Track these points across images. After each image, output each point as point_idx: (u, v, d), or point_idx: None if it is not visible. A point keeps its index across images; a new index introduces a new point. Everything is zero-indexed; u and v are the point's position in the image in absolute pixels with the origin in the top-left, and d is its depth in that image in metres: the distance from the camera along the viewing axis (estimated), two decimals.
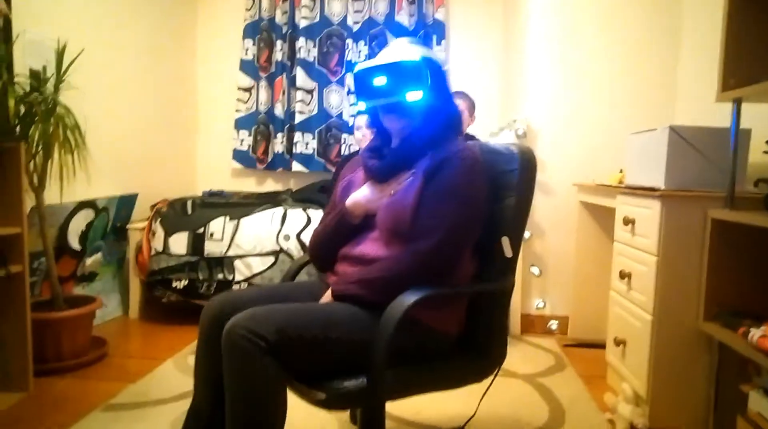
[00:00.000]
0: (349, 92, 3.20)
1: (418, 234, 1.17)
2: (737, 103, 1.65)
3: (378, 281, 1.17)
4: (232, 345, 1.02)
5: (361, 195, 1.32)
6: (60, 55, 2.12)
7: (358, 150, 2.79)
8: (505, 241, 1.27)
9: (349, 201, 1.32)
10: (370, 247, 1.26)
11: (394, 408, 1.82)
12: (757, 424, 1.47)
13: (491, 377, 1.31)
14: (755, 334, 1.42)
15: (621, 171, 2.46)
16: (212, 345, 1.17)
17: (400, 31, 3.15)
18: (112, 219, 2.73)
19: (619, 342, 1.98)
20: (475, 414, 1.80)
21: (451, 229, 1.17)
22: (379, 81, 1.24)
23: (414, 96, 1.23)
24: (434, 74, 1.26)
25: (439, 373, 1.23)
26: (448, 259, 1.18)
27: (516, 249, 1.31)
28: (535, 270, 2.82)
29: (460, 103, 2.59)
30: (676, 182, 1.79)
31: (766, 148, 1.58)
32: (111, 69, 2.70)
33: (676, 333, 1.75)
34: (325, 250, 1.37)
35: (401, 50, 1.28)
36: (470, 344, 1.31)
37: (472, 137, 2.65)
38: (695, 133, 1.80)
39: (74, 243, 2.49)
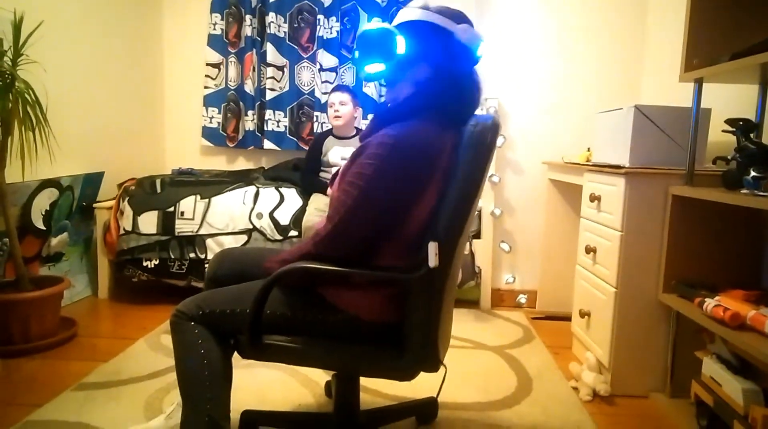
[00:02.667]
0: (320, 69, 3.16)
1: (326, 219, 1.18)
2: (699, 83, 1.71)
3: (289, 262, 1.19)
4: (170, 322, 1.24)
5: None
6: (17, 27, 2.03)
7: (331, 128, 2.77)
8: (432, 247, 1.10)
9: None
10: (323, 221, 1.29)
11: (368, 381, 1.86)
12: (709, 387, 1.57)
13: (441, 378, 1.33)
14: (709, 304, 1.51)
15: (588, 149, 2.53)
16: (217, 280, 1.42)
17: (372, 7, 3.12)
18: (78, 198, 2.66)
19: (584, 314, 2.06)
20: (438, 395, 1.86)
21: (344, 220, 1.12)
22: (356, 54, 1.24)
23: (372, 68, 1.20)
24: (425, 42, 1.16)
25: (346, 354, 1.21)
26: (338, 248, 1.14)
27: (453, 234, 1.13)
28: (505, 246, 2.88)
29: (347, 98, 2.62)
30: (640, 160, 1.85)
31: (726, 127, 1.65)
32: (73, 43, 2.59)
33: (638, 304, 1.83)
34: None
35: (400, 14, 1.21)
36: (394, 338, 1.22)
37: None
38: (659, 112, 1.85)
39: (38, 222, 2.42)
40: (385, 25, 1.19)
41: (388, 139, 1.09)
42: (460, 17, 1.18)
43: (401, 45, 1.16)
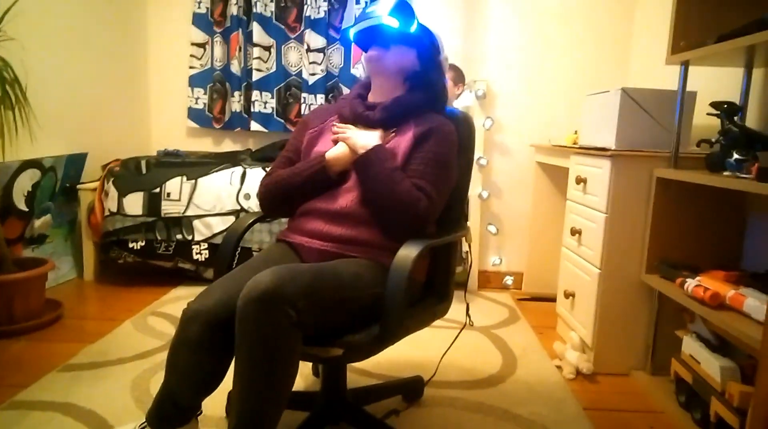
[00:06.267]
0: (308, 50, 3.12)
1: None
2: (685, 65, 1.72)
3: (366, 243, 1.26)
4: (261, 314, 0.98)
5: (359, 139, 1.30)
6: None
7: None
8: (468, 236, 1.49)
9: (330, 155, 1.31)
10: (346, 201, 1.28)
11: None
12: (688, 364, 1.61)
13: (456, 333, 1.37)
14: (690, 284, 1.54)
15: (575, 132, 2.54)
16: (197, 351, 1.09)
17: None
18: (61, 179, 2.62)
19: (568, 294, 2.09)
20: (436, 372, 1.88)
21: (439, 192, 1.28)
22: (372, 8, 1.34)
23: (390, 21, 1.30)
24: (424, 41, 1.38)
25: (414, 316, 1.29)
26: (433, 220, 1.30)
27: (463, 203, 1.49)
28: (492, 228, 2.90)
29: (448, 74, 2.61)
30: (625, 142, 1.87)
31: (710, 109, 1.66)
32: (52, 19, 2.52)
33: (621, 285, 1.86)
34: (287, 198, 1.35)
35: (416, 11, 1.37)
36: (430, 289, 1.43)
37: None
38: (645, 95, 1.86)
39: (21, 204, 2.38)
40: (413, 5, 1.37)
41: (449, 127, 1.35)
42: (443, 49, 1.44)
43: (415, 26, 1.34)
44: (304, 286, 1.02)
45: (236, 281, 1.16)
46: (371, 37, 1.39)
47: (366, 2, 3.03)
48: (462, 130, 1.43)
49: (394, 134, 1.34)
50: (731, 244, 1.80)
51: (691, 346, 1.61)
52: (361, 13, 1.38)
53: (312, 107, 3.15)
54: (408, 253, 1.14)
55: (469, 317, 1.46)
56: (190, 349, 1.10)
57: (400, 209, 1.21)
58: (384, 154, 1.26)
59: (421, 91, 1.38)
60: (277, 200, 1.37)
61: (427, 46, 1.38)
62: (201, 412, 1.24)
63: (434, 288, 1.43)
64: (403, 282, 1.10)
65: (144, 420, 1.19)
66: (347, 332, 1.13)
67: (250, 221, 1.46)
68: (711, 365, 1.49)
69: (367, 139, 1.29)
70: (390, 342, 1.16)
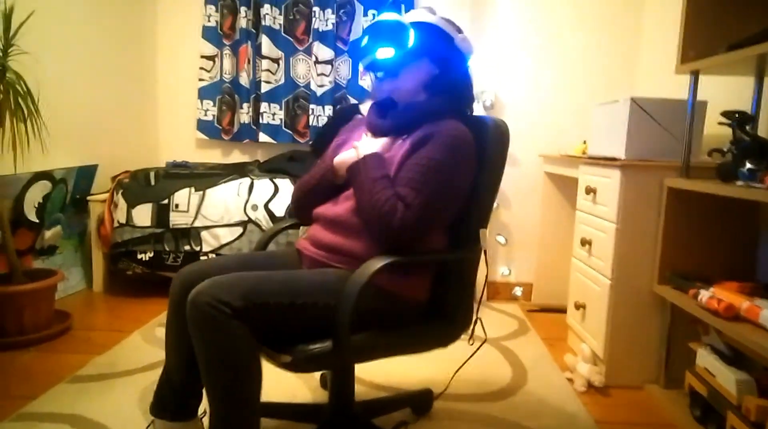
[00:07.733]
0: (316, 62, 3.15)
1: None
2: (695, 75, 1.71)
3: (350, 254, 1.22)
4: (197, 313, 1.02)
5: (363, 148, 1.28)
6: (7, 17, 2.00)
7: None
8: (483, 234, 1.30)
9: (337, 159, 1.33)
10: (342, 208, 1.27)
11: (363, 372, 1.87)
12: (702, 377, 1.57)
13: (472, 351, 1.37)
14: (704, 295, 1.51)
15: (584, 142, 2.53)
16: (182, 315, 1.15)
17: None
18: (71, 191, 2.64)
19: (579, 306, 2.06)
20: (447, 386, 1.86)
21: (426, 202, 1.16)
22: (364, 41, 1.28)
23: (384, 53, 1.25)
24: (431, 41, 1.28)
25: (405, 337, 1.25)
26: (417, 233, 1.17)
27: (486, 219, 1.35)
28: (501, 239, 2.89)
29: None
30: (635, 152, 1.85)
31: (721, 119, 1.65)
32: (65, 33, 2.56)
33: (632, 296, 1.83)
34: (304, 202, 1.39)
35: (405, 14, 1.31)
36: (437, 311, 1.33)
37: None
38: (655, 104, 1.85)
39: (31, 215, 2.40)
40: (399, 18, 1.27)
41: (457, 133, 1.22)
42: (459, 29, 1.34)
43: (412, 38, 1.26)
44: (244, 288, 1.04)
45: (224, 259, 1.28)
46: (377, 67, 1.31)
47: (374, 15, 3.06)
48: (489, 138, 1.29)
49: (401, 142, 1.31)
50: (744, 254, 1.77)
51: (705, 358, 1.58)
52: (355, 47, 1.31)
53: (320, 118, 3.17)
54: (371, 265, 1.08)
55: (475, 338, 1.41)
56: (173, 313, 1.21)
57: (375, 219, 1.14)
58: (374, 162, 1.21)
59: (443, 95, 1.31)
60: (298, 203, 1.41)
61: (436, 44, 1.29)
62: (206, 413, 1.24)
63: (438, 310, 1.33)
64: (354, 294, 1.04)
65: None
66: (308, 339, 1.10)
67: (284, 226, 1.52)
68: (726, 378, 1.46)
69: (368, 147, 1.27)
70: (344, 360, 1.11)
